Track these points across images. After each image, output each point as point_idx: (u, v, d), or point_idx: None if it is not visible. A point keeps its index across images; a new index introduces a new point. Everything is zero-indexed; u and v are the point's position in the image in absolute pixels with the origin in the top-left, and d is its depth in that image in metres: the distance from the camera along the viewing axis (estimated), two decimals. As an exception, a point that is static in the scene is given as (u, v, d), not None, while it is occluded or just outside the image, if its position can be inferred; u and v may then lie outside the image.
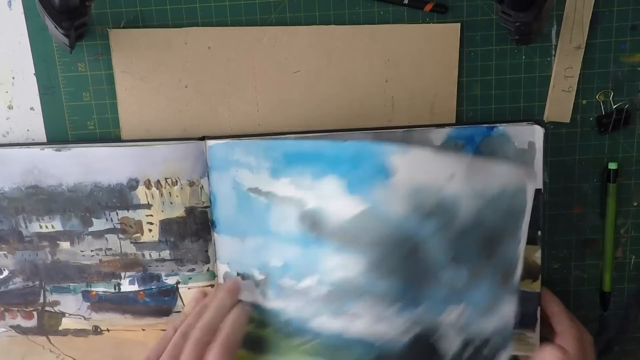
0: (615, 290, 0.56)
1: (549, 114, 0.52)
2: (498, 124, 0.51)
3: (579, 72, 0.51)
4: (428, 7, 0.50)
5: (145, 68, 0.50)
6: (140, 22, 0.50)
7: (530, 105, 0.52)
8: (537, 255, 0.52)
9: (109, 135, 0.52)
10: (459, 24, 0.50)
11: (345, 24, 0.50)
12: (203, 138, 0.51)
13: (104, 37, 0.50)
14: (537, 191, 0.51)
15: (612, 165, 0.52)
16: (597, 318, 0.56)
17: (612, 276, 0.55)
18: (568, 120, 0.52)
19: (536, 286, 0.53)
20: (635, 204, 0.54)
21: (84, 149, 0.51)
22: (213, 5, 0.50)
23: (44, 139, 0.52)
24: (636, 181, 0.53)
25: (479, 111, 0.52)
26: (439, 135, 0.50)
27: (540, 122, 0.52)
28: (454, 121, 0.52)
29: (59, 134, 0.52)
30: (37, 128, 0.52)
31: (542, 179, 0.53)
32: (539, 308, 0.53)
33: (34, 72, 0.51)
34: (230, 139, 0.50)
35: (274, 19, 0.50)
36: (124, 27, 0.50)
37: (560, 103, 0.52)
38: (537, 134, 0.50)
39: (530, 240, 0.52)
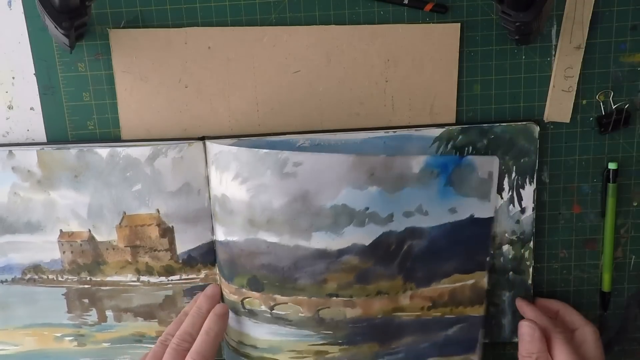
0: (615, 290, 0.56)
1: (549, 114, 0.52)
2: (495, 124, 0.51)
3: (579, 72, 0.51)
4: (428, 7, 0.50)
5: (145, 68, 0.50)
6: (140, 22, 0.50)
7: (530, 105, 0.52)
8: (485, 281, 0.53)
9: (109, 135, 0.52)
10: (459, 24, 0.50)
11: (345, 24, 0.50)
12: (203, 138, 0.51)
13: (104, 37, 0.50)
14: (489, 219, 0.51)
15: (612, 165, 0.52)
16: (597, 318, 0.56)
17: (612, 276, 0.55)
18: (568, 120, 0.52)
19: (481, 310, 0.53)
20: (635, 204, 0.54)
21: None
22: (213, 5, 0.50)
23: (44, 139, 0.52)
24: (636, 181, 0.53)
25: (479, 111, 0.52)
26: (418, 162, 0.50)
27: (540, 122, 0.52)
28: (453, 121, 0.52)
29: (59, 134, 0.52)
30: (37, 128, 0.52)
31: (541, 178, 0.53)
32: (481, 331, 0.54)
33: (34, 72, 0.51)
34: (230, 139, 0.50)
35: (274, 19, 0.50)
36: (124, 27, 0.50)
37: (560, 103, 0.52)
38: (495, 165, 0.51)
39: (479, 266, 0.52)
